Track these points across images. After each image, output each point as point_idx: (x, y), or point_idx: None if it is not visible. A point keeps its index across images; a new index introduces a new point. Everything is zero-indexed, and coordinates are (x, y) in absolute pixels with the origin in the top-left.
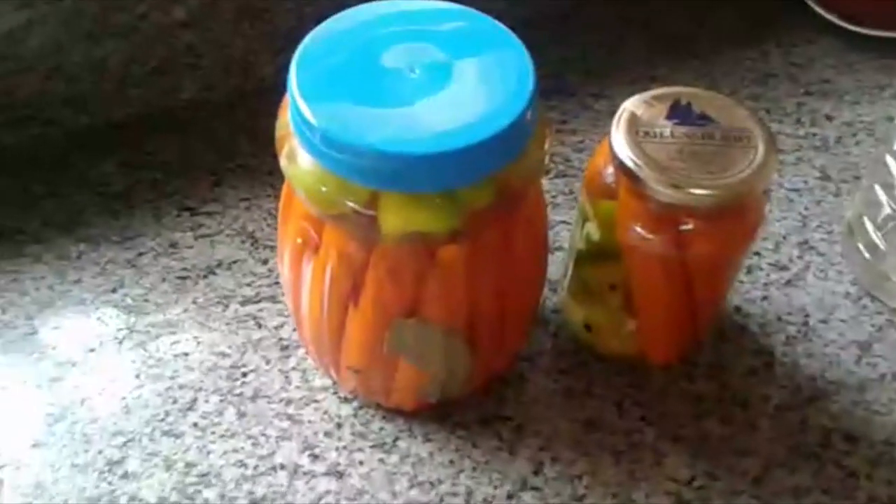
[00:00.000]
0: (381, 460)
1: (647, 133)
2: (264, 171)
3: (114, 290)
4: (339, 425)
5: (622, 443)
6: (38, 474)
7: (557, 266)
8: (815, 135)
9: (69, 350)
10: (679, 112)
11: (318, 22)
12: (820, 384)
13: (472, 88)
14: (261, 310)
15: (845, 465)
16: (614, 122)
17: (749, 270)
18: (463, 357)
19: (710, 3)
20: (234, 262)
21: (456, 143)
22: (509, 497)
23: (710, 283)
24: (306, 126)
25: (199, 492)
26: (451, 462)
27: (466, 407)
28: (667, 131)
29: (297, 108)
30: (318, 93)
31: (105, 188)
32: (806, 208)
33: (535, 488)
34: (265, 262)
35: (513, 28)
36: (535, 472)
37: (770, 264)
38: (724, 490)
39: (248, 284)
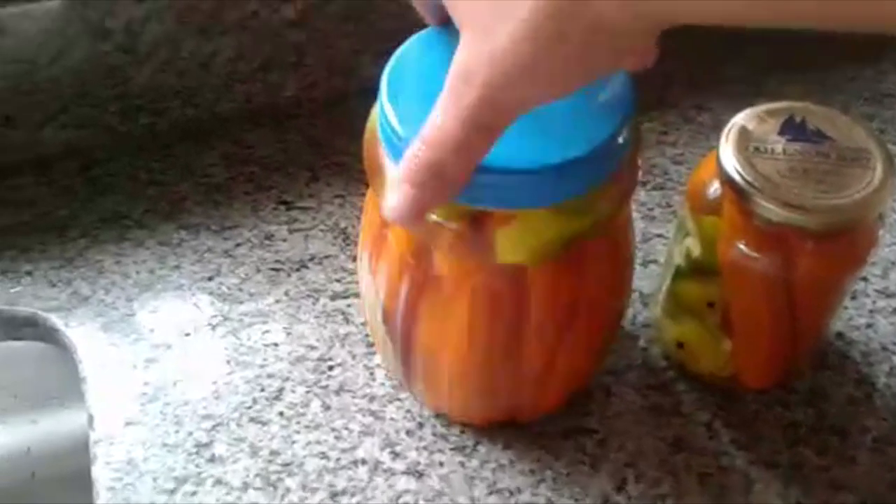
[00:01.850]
0: (461, 463)
1: (757, 148)
2: (359, 170)
3: (210, 278)
4: (420, 425)
5: (710, 465)
6: (130, 451)
7: (652, 280)
8: None
9: (165, 333)
10: (792, 128)
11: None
12: None
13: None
14: (349, 305)
15: None
16: (723, 135)
17: (854, 296)
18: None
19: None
20: (326, 256)
21: (554, 159)
22: None
23: (814, 307)
24: (395, 135)
25: (282, 480)
26: (532, 472)
27: (549, 418)
28: (779, 147)
29: (388, 125)
30: (409, 103)
31: (207, 179)
32: None
33: None
34: (356, 258)
35: None
36: (618, 489)
37: (877, 291)
38: None
39: (338, 280)
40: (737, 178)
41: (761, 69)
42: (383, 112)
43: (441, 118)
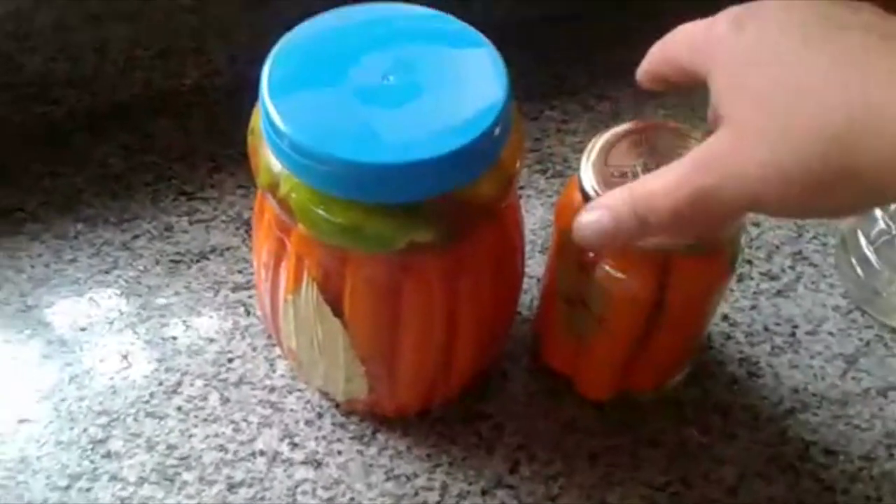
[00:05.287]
0: (360, 451)
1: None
2: None
3: (108, 272)
4: (319, 415)
5: (599, 446)
6: (23, 449)
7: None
8: None
9: (60, 329)
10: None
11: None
12: (803, 396)
13: (446, 99)
14: (250, 297)
15: (822, 478)
16: (584, 156)
17: (740, 279)
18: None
19: (723, 6)
20: (228, 248)
21: (421, 155)
22: (484, 493)
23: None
24: (276, 134)
25: (179, 474)
26: (429, 456)
27: (448, 402)
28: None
29: (267, 113)
30: (291, 99)
31: (105, 170)
32: (803, 219)
33: (509, 486)
34: None
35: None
36: (511, 471)
37: (761, 273)
38: (699, 498)
39: (240, 271)
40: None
41: None
42: (265, 109)
43: (672, 185)
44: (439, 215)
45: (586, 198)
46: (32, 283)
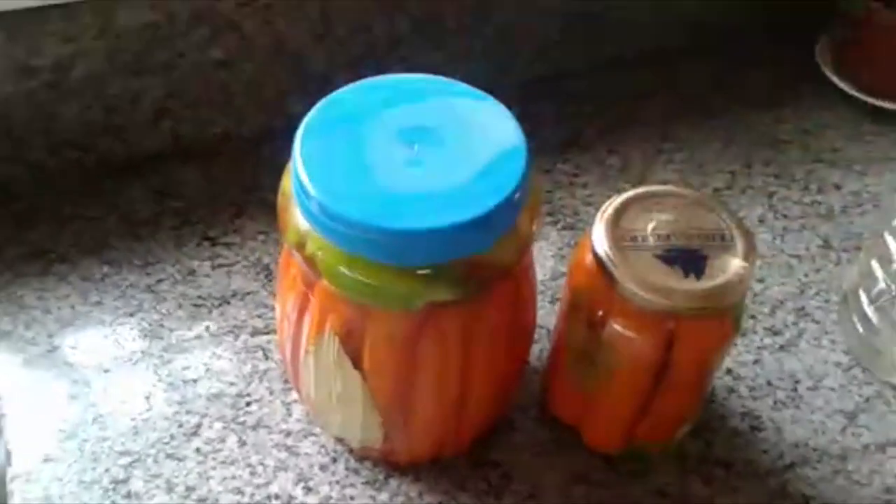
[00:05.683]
0: (372, 497)
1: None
2: None
3: (132, 314)
4: (334, 460)
5: (607, 496)
6: (47, 488)
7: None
8: (820, 203)
9: (85, 369)
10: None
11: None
12: (803, 451)
13: (467, 168)
14: (269, 341)
15: None
16: (597, 218)
17: (743, 334)
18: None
19: (731, 67)
20: (248, 293)
21: (441, 222)
22: None
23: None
24: (306, 196)
25: None
26: (440, 503)
27: (459, 451)
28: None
29: (298, 177)
30: (321, 164)
31: (132, 214)
32: (805, 275)
33: None
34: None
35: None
36: None
37: (765, 328)
38: None
39: (260, 316)
40: (609, 265)
41: (669, 116)
42: (297, 173)
43: None
44: (458, 277)
45: (598, 260)
46: (59, 324)
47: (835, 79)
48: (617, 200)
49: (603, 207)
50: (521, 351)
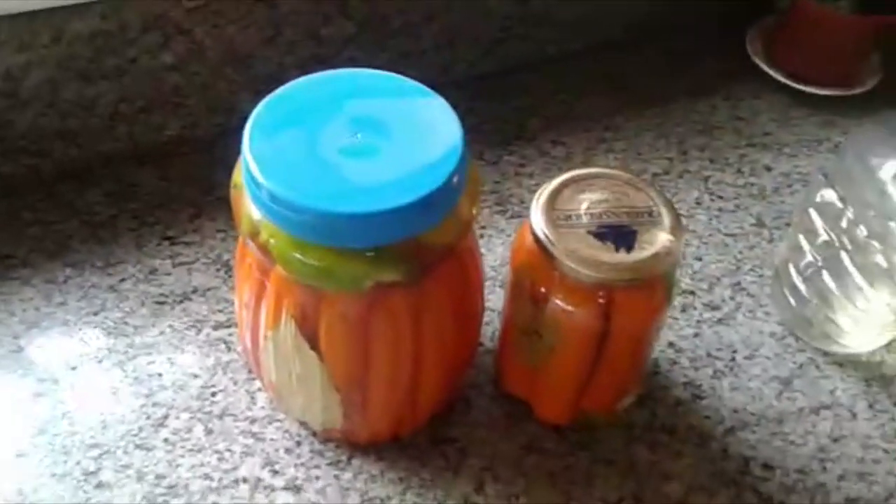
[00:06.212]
0: (336, 477)
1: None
2: None
3: (96, 313)
4: (298, 443)
5: (558, 465)
6: (21, 482)
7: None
8: (753, 184)
9: (52, 367)
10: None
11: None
12: (742, 416)
13: (408, 153)
14: (231, 334)
15: (762, 491)
16: (533, 202)
17: (683, 309)
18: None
19: (666, 60)
20: (209, 289)
21: (386, 205)
22: None
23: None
24: (257, 186)
25: (168, 502)
26: (400, 480)
27: (418, 429)
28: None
29: (248, 168)
30: (269, 155)
31: (91, 217)
32: (740, 252)
33: None
34: None
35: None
36: (477, 491)
37: (703, 304)
38: None
39: (221, 310)
40: (547, 244)
41: (610, 106)
42: (247, 164)
43: None
44: (403, 258)
45: (536, 239)
46: (24, 325)
47: (765, 67)
48: (551, 184)
49: (539, 191)
50: (471, 330)
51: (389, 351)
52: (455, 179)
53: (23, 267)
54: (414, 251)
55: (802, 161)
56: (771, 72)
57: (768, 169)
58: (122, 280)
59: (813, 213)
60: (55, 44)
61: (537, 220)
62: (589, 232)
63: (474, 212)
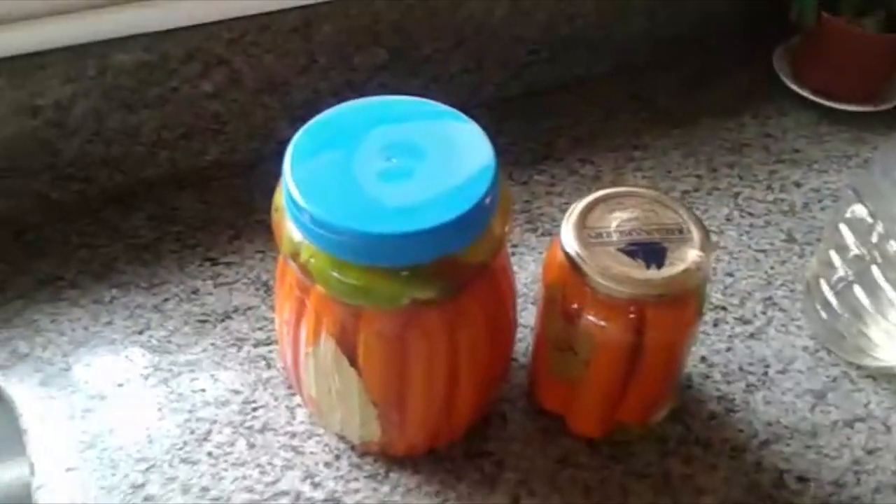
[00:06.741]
0: (374, 489)
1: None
2: None
3: (141, 332)
4: (337, 457)
5: (592, 479)
6: (71, 496)
7: None
8: (783, 200)
9: (100, 385)
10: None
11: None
12: (776, 429)
13: (442, 176)
14: (271, 351)
15: (796, 503)
16: (564, 220)
17: (715, 324)
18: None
19: (694, 79)
20: (249, 308)
21: (421, 225)
22: None
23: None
24: (297, 209)
25: None
26: (437, 493)
27: (453, 444)
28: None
29: (289, 191)
30: (309, 179)
31: (135, 240)
32: (771, 268)
33: None
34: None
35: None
36: None
37: (735, 318)
38: None
39: (261, 328)
40: (578, 261)
41: (638, 125)
42: (287, 188)
43: None
44: (439, 276)
45: (567, 257)
46: (73, 345)
47: (792, 85)
48: (582, 203)
49: (570, 210)
50: (504, 346)
51: (425, 367)
52: (488, 199)
53: (71, 288)
54: (449, 269)
55: (832, 177)
56: (799, 89)
57: (798, 185)
58: (166, 300)
59: (843, 228)
60: (101, 75)
61: (568, 237)
62: (619, 249)
63: (507, 230)
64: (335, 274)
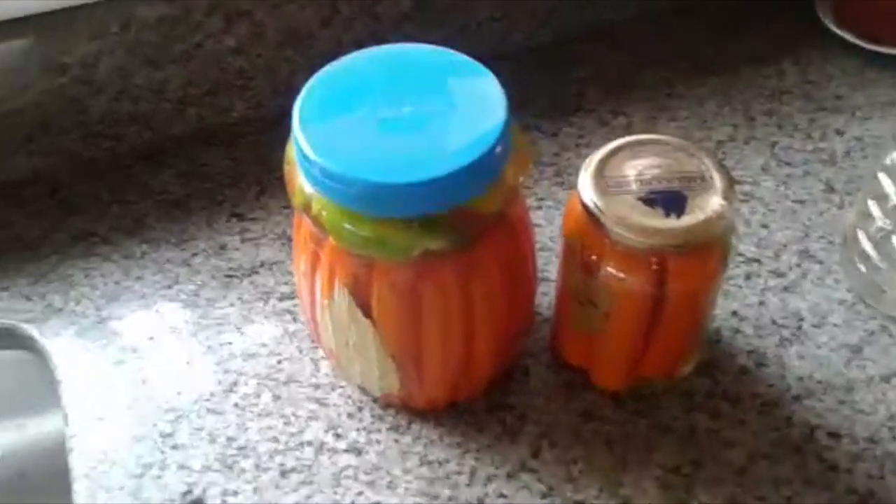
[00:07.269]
0: (396, 440)
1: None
2: None
3: (170, 287)
4: (360, 409)
5: (616, 432)
6: (102, 443)
7: None
8: (823, 149)
9: (131, 338)
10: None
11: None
12: (808, 384)
13: (453, 125)
14: (296, 305)
15: (827, 458)
16: (582, 169)
17: (748, 277)
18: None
19: (732, 24)
20: (275, 262)
21: (431, 174)
22: (509, 477)
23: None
24: (307, 161)
25: (237, 462)
26: (458, 444)
27: (475, 396)
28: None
29: (298, 144)
30: (319, 130)
31: (164, 196)
32: (809, 219)
33: (532, 470)
34: None
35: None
36: (534, 456)
37: (769, 271)
38: (709, 478)
39: (286, 283)
40: (595, 211)
41: (671, 74)
42: (297, 140)
43: None
44: (450, 226)
45: (585, 207)
46: (105, 299)
47: (835, 28)
48: (602, 151)
49: (588, 158)
50: (524, 299)
51: (440, 319)
52: (498, 148)
53: (104, 244)
54: (461, 219)
55: (876, 124)
56: (842, 33)
57: (840, 133)
58: (194, 255)
59: (883, 176)
60: (125, 31)
61: (585, 187)
62: (638, 198)
63: (520, 180)
64: (346, 225)
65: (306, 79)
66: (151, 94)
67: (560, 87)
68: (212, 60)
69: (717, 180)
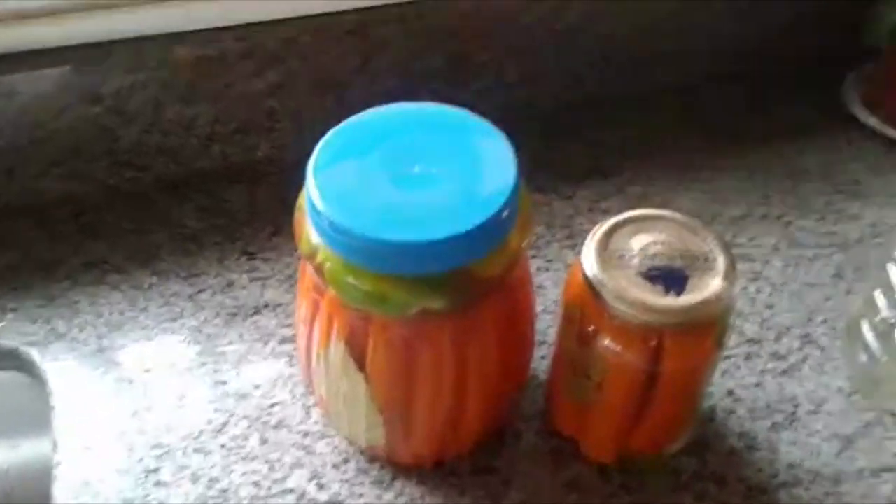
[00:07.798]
0: (378, 496)
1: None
2: None
3: (174, 320)
4: (345, 460)
5: None
6: (87, 474)
7: None
8: (836, 233)
9: (129, 368)
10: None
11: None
12: (797, 472)
13: (462, 186)
14: (295, 349)
15: None
16: (587, 240)
17: (747, 357)
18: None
19: (754, 100)
20: (280, 304)
21: (435, 235)
22: None
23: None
24: (316, 211)
25: None
26: None
27: (462, 458)
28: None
29: (309, 194)
30: (330, 182)
31: (181, 229)
32: (815, 303)
33: None
34: None
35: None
36: None
37: (770, 353)
38: None
39: (288, 325)
40: (595, 283)
41: (692, 145)
42: (308, 189)
43: None
44: (451, 287)
45: (586, 278)
46: (109, 327)
47: (860, 113)
48: (608, 223)
49: (594, 229)
50: (517, 362)
51: (432, 377)
52: (505, 213)
53: (115, 272)
54: (461, 281)
55: (891, 212)
56: (866, 118)
57: (855, 218)
58: (201, 291)
59: (891, 266)
60: (160, 67)
61: (588, 258)
62: (639, 273)
63: (524, 245)
64: (348, 279)
65: (332, 125)
66: (181, 128)
67: (581, 150)
68: (241, 101)
69: (720, 262)
